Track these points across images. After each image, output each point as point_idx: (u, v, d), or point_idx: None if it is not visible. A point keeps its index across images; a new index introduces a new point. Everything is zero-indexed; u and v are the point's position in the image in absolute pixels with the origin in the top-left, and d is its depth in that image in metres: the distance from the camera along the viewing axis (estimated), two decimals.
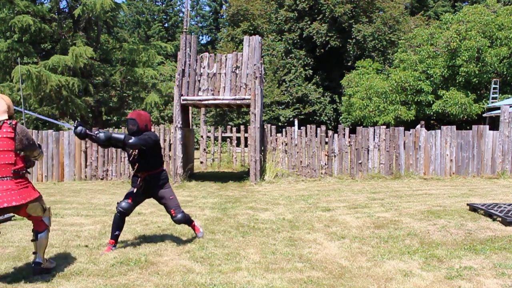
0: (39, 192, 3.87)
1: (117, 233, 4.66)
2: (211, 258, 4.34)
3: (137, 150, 4.63)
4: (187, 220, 4.93)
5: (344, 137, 10.90)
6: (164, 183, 4.79)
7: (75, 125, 4.39)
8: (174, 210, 4.73)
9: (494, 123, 17.86)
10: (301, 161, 10.97)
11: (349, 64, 30.86)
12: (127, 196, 4.71)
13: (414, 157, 10.77)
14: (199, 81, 10.90)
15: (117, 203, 4.73)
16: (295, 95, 29.96)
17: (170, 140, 11.15)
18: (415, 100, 21.85)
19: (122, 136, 4.43)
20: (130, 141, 4.40)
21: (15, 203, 3.58)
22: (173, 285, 3.65)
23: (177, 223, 4.83)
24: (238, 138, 14.85)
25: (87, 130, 4.42)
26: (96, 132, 4.44)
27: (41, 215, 3.86)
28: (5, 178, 3.61)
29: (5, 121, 3.68)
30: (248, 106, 11.26)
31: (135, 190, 4.71)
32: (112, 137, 4.42)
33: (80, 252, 4.56)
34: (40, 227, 3.86)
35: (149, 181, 4.71)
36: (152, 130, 4.96)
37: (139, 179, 4.70)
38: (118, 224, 4.65)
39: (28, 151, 3.81)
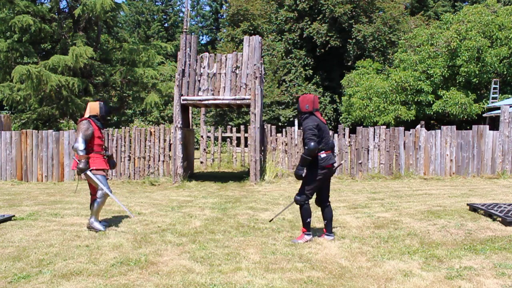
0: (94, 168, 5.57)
1: (325, 222, 5.07)
2: (211, 258, 4.34)
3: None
4: (302, 210, 4.87)
5: (344, 137, 10.90)
6: (312, 168, 4.81)
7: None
8: (300, 190, 4.88)
9: (494, 123, 17.85)
10: None
11: (349, 64, 30.83)
12: None
13: (414, 157, 10.77)
14: (199, 81, 10.90)
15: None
16: (295, 95, 29.93)
17: (170, 140, 11.15)
18: (415, 100, 21.83)
19: (305, 156, 4.70)
20: (307, 151, 4.65)
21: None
22: (173, 285, 3.65)
23: (294, 201, 4.97)
24: (238, 138, 14.85)
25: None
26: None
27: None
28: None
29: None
30: (248, 106, 11.26)
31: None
32: (302, 166, 4.77)
33: (80, 252, 4.56)
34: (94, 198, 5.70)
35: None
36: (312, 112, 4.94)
37: None
38: (323, 213, 5.10)
39: None
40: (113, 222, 6.05)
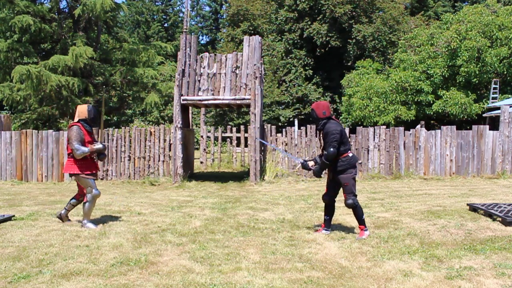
0: (80, 171, 5.69)
1: (327, 217, 5.30)
2: (211, 258, 4.34)
3: (322, 139, 5.13)
4: (357, 210, 5.04)
5: None
6: (343, 170, 5.03)
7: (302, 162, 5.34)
8: (346, 195, 5.04)
9: (494, 123, 17.84)
10: None
11: (349, 64, 30.82)
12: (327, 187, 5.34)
13: (414, 157, 10.77)
14: (199, 81, 10.91)
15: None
16: (295, 95, 29.93)
17: (170, 140, 11.15)
18: (415, 100, 21.82)
19: (325, 161, 5.01)
20: (327, 156, 4.94)
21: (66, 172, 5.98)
22: (173, 285, 3.65)
23: (347, 207, 5.12)
24: (238, 138, 14.86)
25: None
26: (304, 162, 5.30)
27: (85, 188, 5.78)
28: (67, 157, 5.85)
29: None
30: (248, 106, 11.26)
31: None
32: (322, 169, 5.13)
33: (80, 252, 4.56)
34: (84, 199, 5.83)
35: (332, 166, 5.10)
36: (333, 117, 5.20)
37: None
38: (327, 210, 5.30)
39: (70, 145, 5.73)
40: (113, 222, 6.05)
